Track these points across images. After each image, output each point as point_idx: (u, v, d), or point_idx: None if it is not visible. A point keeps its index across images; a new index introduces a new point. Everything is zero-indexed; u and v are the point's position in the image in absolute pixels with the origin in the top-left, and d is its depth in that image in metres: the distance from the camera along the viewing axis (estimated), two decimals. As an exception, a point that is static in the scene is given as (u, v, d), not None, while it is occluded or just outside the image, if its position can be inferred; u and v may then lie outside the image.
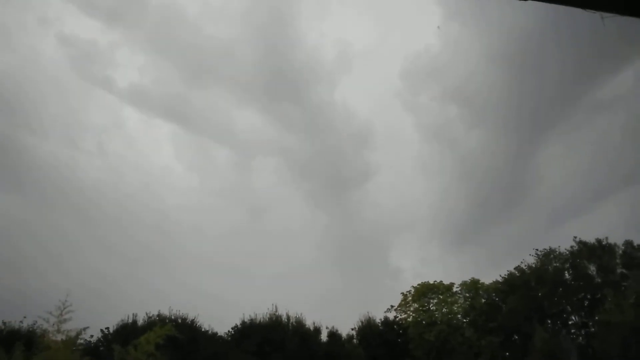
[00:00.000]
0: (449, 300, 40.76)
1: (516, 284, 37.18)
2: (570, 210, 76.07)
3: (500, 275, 39.55)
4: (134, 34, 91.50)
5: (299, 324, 35.76)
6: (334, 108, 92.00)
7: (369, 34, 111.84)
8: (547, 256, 38.62)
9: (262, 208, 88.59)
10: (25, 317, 27.12)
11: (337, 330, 37.63)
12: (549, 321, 36.42)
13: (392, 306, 42.32)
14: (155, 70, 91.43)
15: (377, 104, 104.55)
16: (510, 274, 38.71)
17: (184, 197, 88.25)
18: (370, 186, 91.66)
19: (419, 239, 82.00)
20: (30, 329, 25.64)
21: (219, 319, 34.64)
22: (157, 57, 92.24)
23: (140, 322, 31.17)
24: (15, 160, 71.42)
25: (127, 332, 28.32)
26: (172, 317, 31.05)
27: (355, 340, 38.68)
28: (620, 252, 36.43)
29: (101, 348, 28.16)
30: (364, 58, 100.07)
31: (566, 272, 37.25)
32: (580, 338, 35.62)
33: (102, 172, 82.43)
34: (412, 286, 42.53)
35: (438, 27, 78.15)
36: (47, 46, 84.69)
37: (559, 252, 38.31)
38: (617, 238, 38.81)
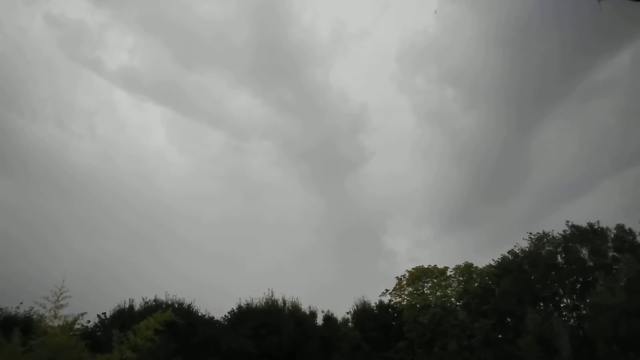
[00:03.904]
0: (443, 284, 41.20)
1: (509, 268, 37.62)
2: (566, 193, 76.86)
3: (494, 259, 40.09)
4: (123, 14, 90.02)
5: (295, 308, 36.09)
6: (329, 91, 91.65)
7: (364, 14, 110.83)
8: (541, 240, 39.05)
9: (257, 190, 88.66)
10: (21, 303, 27.18)
11: (332, 314, 38.07)
12: (541, 304, 36.99)
13: (386, 290, 42.82)
14: (145, 52, 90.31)
15: (372, 86, 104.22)
16: (504, 258, 39.15)
17: (177, 181, 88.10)
18: (365, 169, 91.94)
19: (414, 222, 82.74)
20: (27, 315, 25.72)
21: (214, 308, 34.84)
22: (147, 38, 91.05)
23: (136, 307, 31.32)
24: (3, 143, 70.56)
25: (124, 318, 28.49)
26: (169, 302, 31.23)
27: (350, 324, 39.14)
28: (612, 235, 36.86)
29: (98, 333, 28.32)
30: (358, 39, 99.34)
31: (559, 255, 37.70)
32: (572, 320, 36.23)
33: (93, 157, 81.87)
34: (407, 270, 42.99)
35: (435, 11, 77.50)
36: (34, 26, 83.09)
37: (552, 236, 38.75)
38: (614, 221, 39.32)
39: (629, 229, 36.54)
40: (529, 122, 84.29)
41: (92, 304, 30.29)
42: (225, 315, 35.01)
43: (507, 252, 39.31)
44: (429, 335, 37.57)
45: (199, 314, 32.80)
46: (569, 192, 77.09)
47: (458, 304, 39.75)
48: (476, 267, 41.25)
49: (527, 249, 38.79)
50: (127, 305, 31.32)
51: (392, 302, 41.63)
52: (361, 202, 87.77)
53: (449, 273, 41.90)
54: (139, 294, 32.81)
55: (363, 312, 39.34)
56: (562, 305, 37.24)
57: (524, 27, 74.32)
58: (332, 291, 57.76)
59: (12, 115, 75.49)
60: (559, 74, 79.42)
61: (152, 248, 70.39)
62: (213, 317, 33.98)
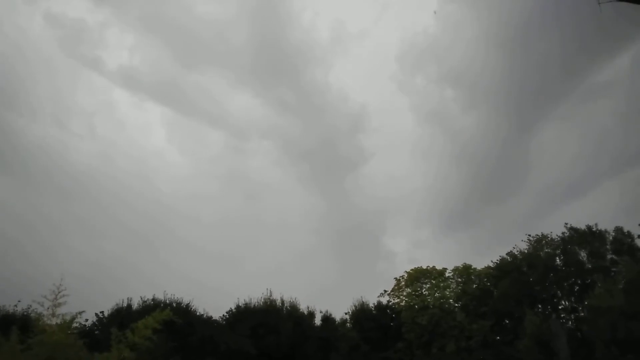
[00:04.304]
0: (442, 285, 41.20)
1: (508, 269, 37.62)
2: (566, 194, 76.94)
3: (492, 261, 40.12)
4: (123, 13, 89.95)
5: (293, 308, 36.09)
6: (328, 91, 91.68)
7: (364, 14, 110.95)
8: (539, 242, 39.09)
9: (257, 190, 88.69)
10: (19, 301, 27.19)
11: (330, 315, 38.09)
12: (540, 306, 37.00)
13: (385, 291, 42.83)
14: (145, 51, 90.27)
15: (372, 86, 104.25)
16: (502, 259, 39.18)
17: (177, 181, 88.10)
18: (365, 169, 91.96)
19: (414, 222, 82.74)
20: (25, 313, 25.72)
21: (214, 308, 34.88)
22: (147, 37, 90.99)
23: (135, 306, 31.32)
24: (2, 143, 70.53)
25: (122, 316, 28.48)
26: (167, 302, 31.22)
27: (348, 324, 39.14)
28: (611, 238, 36.89)
29: (96, 332, 28.30)
30: (358, 39, 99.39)
31: (557, 257, 37.74)
32: (570, 322, 36.25)
33: (93, 157, 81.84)
34: (405, 271, 43.03)
35: (434, 12, 77.56)
36: (34, 25, 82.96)
37: (551, 238, 38.78)
38: (614, 222, 39.35)
39: (628, 231, 36.58)
40: (528, 123, 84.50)
41: (92, 304, 30.46)
42: (223, 315, 35.03)
43: (506, 254, 39.39)
44: (427, 336, 37.57)
45: (197, 314, 32.81)
46: (568, 192, 77.26)
47: (456, 305, 39.75)
48: (474, 269, 41.28)
49: (525, 251, 38.83)
50: (125, 304, 31.34)
51: (390, 303, 41.65)
52: (361, 202, 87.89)
53: (447, 274, 41.92)
54: (139, 294, 32.81)
55: (361, 313, 39.33)
56: (560, 307, 37.26)
57: (524, 28, 74.49)
58: (331, 291, 57.85)
59: (11, 115, 75.54)
60: (559, 75, 79.60)
61: (152, 248, 70.40)
62: (211, 317, 34.00)
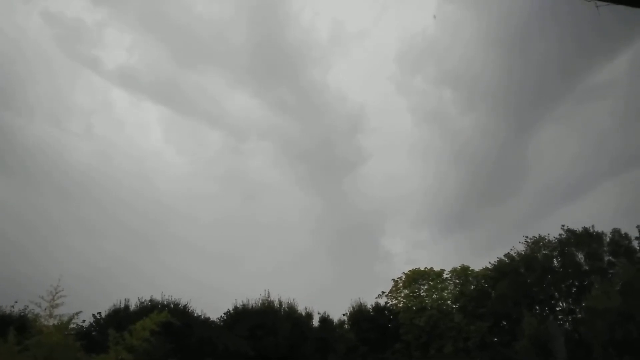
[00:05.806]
0: (439, 286, 41.27)
1: (505, 271, 37.71)
2: (565, 195, 76.90)
3: (490, 262, 40.19)
4: (121, 12, 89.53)
5: (291, 310, 36.03)
6: (327, 91, 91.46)
7: (363, 14, 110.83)
8: (537, 243, 39.19)
9: (255, 190, 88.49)
10: (16, 302, 27.07)
11: (328, 316, 38.08)
12: (537, 307, 37.09)
13: (383, 292, 42.87)
14: (144, 51, 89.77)
15: (371, 86, 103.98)
16: (500, 261, 39.26)
17: (175, 180, 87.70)
18: (363, 170, 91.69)
19: (412, 223, 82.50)
20: (22, 314, 25.63)
21: (214, 308, 34.76)
22: (146, 36, 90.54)
23: (132, 307, 31.23)
24: (1, 142, 70.18)
25: (120, 318, 28.40)
26: (165, 303, 31.15)
27: (346, 326, 39.15)
28: (608, 239, 36.99)
29: (93, 333, 28.22)
30: (358, 39, 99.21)
31: (555, 259, 37.83)
32: (568, 324, 36.33)
33: (91, 156, 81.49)
34: (403, 272, 43.08)
35: (434, 16, 77.52)
36: (32, 24, 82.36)
37: (548, 240, 38.89)
38: (613, 223, 39.37)
39: (625, 233, 36.71)
40: (527, 123, 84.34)
41: (91, 304, 30.32)
42: (221, 316, 34.96)
43: (504, 255, 39.47)
44: (425, 338, 37.62)
45: (195, 315, 32.74)
46: (567, 193, 77.18)
47: (454, 306, 39.81)
48: (472, 270, 41.35)
49: (523, 253, 38.91)
50: (122, 305, 31.27)
51: (388, 304, 41.69)
52: (359, 203, 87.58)
53: (445, 275, 41.99)
54: (138, 294, 32.62)
55: (359, 314, 39.35)
56: (558, 308, 37.36)
57: (523, 28, 74.53)
58: (329, 292, 57.66)
59: (9, 114, 75.09)
60: (558, 75, 79.46)
61: (151, 248, 70.08)
62: (209, 318, 33.94)
